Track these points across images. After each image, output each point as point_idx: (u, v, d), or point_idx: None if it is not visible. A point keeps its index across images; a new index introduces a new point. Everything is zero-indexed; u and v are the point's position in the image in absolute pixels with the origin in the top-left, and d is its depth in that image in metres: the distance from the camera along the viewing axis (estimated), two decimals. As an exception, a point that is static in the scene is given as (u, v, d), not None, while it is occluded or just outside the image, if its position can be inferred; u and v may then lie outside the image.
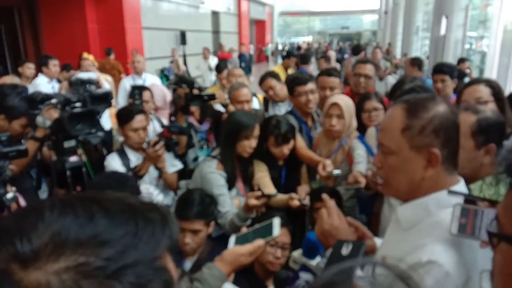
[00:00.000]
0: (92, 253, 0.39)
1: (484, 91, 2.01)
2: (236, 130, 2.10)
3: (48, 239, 0.39)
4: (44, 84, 4.65)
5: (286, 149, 2.28)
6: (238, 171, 2.22)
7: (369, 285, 0.43)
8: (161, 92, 4.07)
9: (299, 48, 19.40)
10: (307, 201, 2.00)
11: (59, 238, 0.40)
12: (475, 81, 2.13)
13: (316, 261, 1.32)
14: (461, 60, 7.33)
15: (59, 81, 5.07)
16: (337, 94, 2.69)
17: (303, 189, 2.34)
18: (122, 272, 0.40)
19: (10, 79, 3.62)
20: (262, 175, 2.24)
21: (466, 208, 0.89)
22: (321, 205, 2.06)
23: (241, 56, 13.81)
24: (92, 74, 4.48)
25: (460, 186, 1.00)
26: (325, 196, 1.29)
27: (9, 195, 1.76)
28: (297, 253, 1.39)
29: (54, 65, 4.87)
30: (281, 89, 3.36)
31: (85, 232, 0.40)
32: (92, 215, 0.42)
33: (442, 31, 11.04)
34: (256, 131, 2.14)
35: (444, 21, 10.96)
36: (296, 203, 1.98)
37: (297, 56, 6.03)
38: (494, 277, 0.70)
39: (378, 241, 1.27)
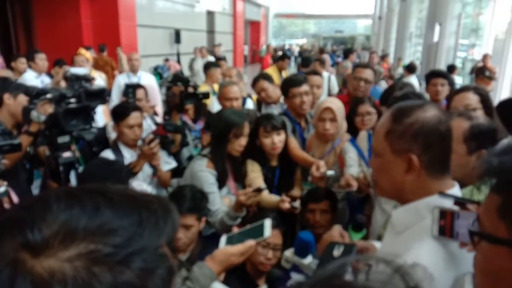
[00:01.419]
0: (100, 241, 0.41)
1: (472, 98, 2.06)
2: (225, 128, 2.10)
3: (58, 228, 0.41)
4: (32, 79, 4.59)
5: (277, 139, 2.26)
6: (230, 169, 2.23)
7: (364, 281, 0.44)
8: (156, 95, 4.19)
9: (275, 50, 19.03)
10: (297, 204, 2.01)
11: (68, 227, 0.41)
12: (464, 89, 2.18)
13: (308, 260, 1.34)
14: (452, 67, 7.43)
15: (51, 76, 5.03)
16: (331, 97, 2.73)
17: (295, 193, 2.36)
18: (130, 258, 0.42)
19: (4, 73, 3.60)
20: (256, 176, 2.25)
21: (444, 210, 0.92)
22: (315, 207, 2.10)
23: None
24: (83, 70, 4.46)
25: (455, 190, 1.02)
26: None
27: (1, 189, 1.76)
28: (289, 252, 1.41)
29: (40, 59, 4.81)
30: (274, 90, 3.38)
31: (92, 221, 0.42)
32: (98, 206, 0.43)
33: (435, 38, 11.18)
34: (246, 129, 2.14)
35: (437, 28, 11.10)
36: (286, 206, 1.99)
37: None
38: (475, 275, 0.73)
39: (378, 245, 1.29)
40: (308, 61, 6.34)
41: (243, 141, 2.13)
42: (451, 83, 3.22)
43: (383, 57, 11.07)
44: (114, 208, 0.44)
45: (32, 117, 2.15)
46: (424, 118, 0.98)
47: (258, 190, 1.84)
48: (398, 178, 1.00)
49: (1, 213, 1.53)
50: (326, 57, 8.52)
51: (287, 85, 2.71)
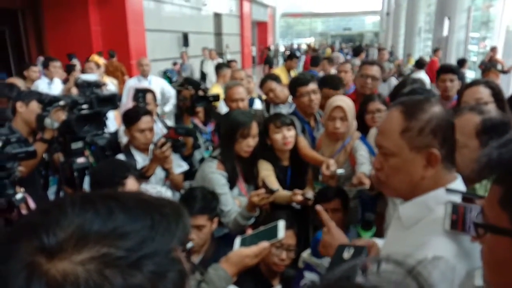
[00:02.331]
0: (113, 244, 0.42)
1: (484, 92, 2.03)
2: (232, 128, 2.11)
3: (72, 232, 0.42)
4: (43, 85, 4.69)
5: (288, 134, 2.28)
6: (240, 171, 2.24)
7: (375, 282, 0.44)
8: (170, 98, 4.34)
9: (268, 49, 18.73)
10: (310, 195, 2.01)
11: (82, 231, 0.42)
12: (475, 82, 2.16)
13: (325, 261, 1.34)
14: (462, 61, 7.33)
15: (64, 82, 5.12)
16: (341, 96, 2.72)
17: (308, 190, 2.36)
18: (142, 262, 0.43)
19: (16, 81, 3.68)
20: (268, 174, 2.25)
21: (456, 205, 0.94)
22: (325, 206, 2.10)
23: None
24: (93, 76, 4.54)
25: (458, 183, 1.04)
26: (320, 210, 1.31)
27: (18, 196, 1.79)
28: (306, 254, 1.41)
29: (54, 66, 4.92)
30: (282, 91, 3.39)
31: (105, 225, 0.43)
32: (111, 210, 0.45)
33: (445, 32, 11.06)
34: (253, 130, 2.13)
35: (446, 22, 10.98)
36: (299, 198, 1.99)
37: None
38: (483, 268, 0.73)
39: (379, 241, 1.29)
40: (317, 60, 6.33)
41: (251, 141, 2.13)
42: (461, 78, 3.18)
43: (436, 50, 10.31)
44: (127, 212, 0.45)
45: (46, 124, 2.19)
46: (438, 112, 1.00)
47: (271, 192, 1.84)
48: (417, 175, 1.01)
49: (18, 219, 1.57)
50: (338, 55, 8.48)
51: (295, 85, 2.72)
